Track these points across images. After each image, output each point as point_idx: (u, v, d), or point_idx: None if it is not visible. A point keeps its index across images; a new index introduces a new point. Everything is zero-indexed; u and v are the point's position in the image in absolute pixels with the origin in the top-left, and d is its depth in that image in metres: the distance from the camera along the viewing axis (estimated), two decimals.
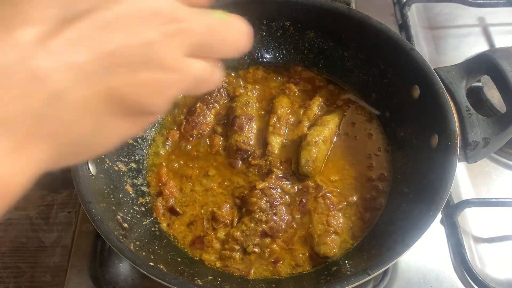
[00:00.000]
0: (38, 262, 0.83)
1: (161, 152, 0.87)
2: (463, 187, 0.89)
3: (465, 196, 0.87)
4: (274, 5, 0.91)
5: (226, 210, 0.80)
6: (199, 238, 0.78)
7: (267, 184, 0.80)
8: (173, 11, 0.34)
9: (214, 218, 0.79)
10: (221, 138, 0.88)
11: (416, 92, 0.81)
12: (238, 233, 0.76)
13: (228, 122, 0.90)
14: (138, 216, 0.77)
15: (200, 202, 0.81)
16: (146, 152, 0.87)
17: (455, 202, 0.84)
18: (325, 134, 0.84)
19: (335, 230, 0.76)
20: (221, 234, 0.78)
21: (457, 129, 0.72)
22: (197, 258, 0.76)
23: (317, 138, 0.83)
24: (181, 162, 0.86)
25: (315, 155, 0.82)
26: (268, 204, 0.78)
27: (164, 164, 0.86)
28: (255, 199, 0.78)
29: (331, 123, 0.87)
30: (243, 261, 0.75)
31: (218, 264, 0.75)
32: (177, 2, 0.35)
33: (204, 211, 0.80)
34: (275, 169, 0.83)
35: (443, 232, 0.83)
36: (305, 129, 0.87)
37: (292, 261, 0.75)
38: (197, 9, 0.37)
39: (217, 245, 0.77)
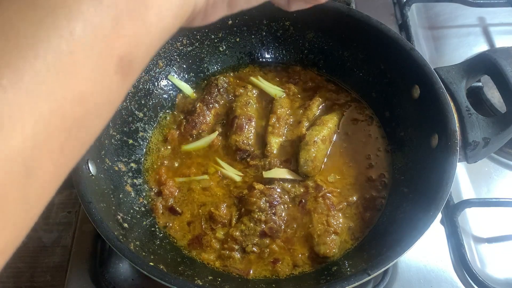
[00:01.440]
0: (38, 262, 0.83)
1: (161, 152, 0.87)
2: (463, 187, 0.89)
3: (465, 196, 0.87)
4: (274, 5, 0.90)
5: (223, 210, 0.80)
6: (198, 237, 0.77)
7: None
8: None
9: (212, 218, 0.79)
10: (221, 138, 0.88)
11: (416, 92, 0.81)
12: (237, 233, 0.76)
13: (228, 122, 0.89)
14: (138, 216, 0.77)
15: (198, 201, 0.81)
16: (146, 152, 0.87)
17: (455, 202, 0.84)
18: (324, 134, 0.84)
19: (335, 230, 0.76)
20: (220, 234, 0.78)
21: (457, 129, 0.72)
22: (197, 258, 0.76)
23: (316, 138, 0.83)
24: (181, 161, 0.86)
25: (314, 155, 0.81)
26: (268, 204, 0.78)
27: (164, 164, 0.86)
28: (254, 199, 0.78)
29: (330, 122, 0.87)
30: (242, 261, 0.75)
31: (217, 263, 0.75)
32: None
33: (202, 211, 0.80)
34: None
35: (443, 232, 0.83)
36: (304, 129, 0.87)
37: (291, 261, 0.75)
38: None
39: (216, 245, 0.77)
